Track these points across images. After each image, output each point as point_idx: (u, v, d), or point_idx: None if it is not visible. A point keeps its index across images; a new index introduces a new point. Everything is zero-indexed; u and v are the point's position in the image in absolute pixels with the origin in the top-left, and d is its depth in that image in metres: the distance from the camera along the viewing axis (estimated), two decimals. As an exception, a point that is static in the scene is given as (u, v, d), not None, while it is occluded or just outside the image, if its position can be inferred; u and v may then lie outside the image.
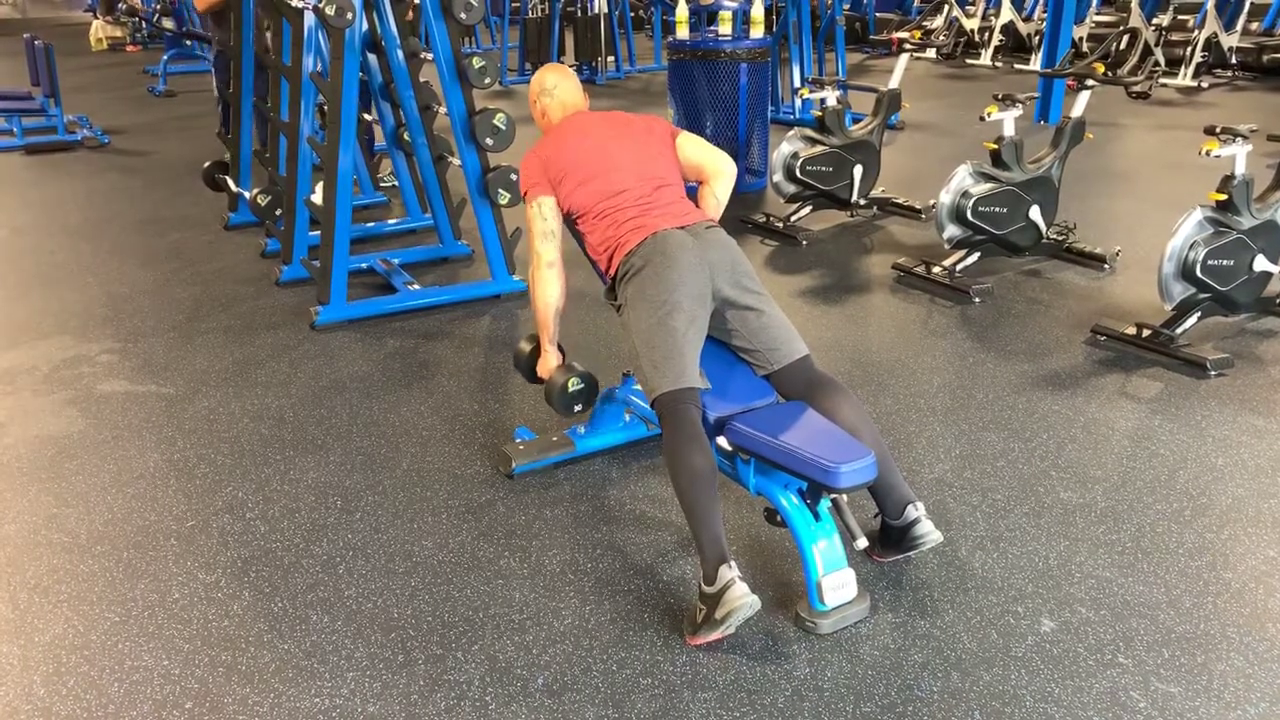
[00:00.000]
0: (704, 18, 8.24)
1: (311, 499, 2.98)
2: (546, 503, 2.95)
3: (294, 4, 4.36)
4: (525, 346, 3.02)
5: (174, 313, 4.51)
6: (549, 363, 2.94)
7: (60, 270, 5.14)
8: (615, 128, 2.91)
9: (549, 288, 2.78)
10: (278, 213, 5.08)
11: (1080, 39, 10.25)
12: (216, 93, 6.63)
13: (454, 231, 5.20)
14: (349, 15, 3.93)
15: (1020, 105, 4.60)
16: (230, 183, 5.75)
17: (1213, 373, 3.68)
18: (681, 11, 6.57)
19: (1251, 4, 11.03)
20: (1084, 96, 4.80)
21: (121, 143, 8.47)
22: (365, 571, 2.62)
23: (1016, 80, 10.74)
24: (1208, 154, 3.77)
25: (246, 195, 5.40)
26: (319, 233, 4.48)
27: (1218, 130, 3.79)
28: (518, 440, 3.19)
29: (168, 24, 13.97)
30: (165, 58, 11.67)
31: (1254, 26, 11.43)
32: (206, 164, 5.90)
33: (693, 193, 2.90)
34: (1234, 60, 10.82)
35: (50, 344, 4.16)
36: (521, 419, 3.45)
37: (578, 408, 2.95)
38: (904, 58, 5.94)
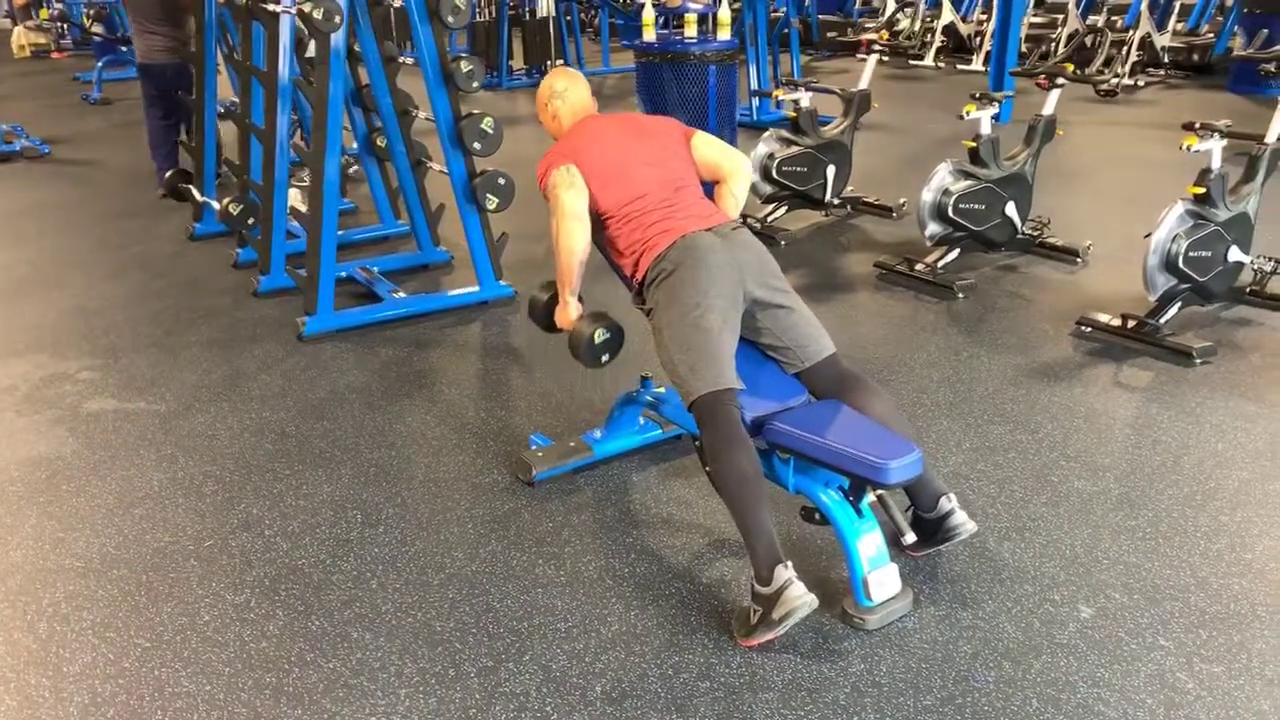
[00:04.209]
0: (666, 20, 8.25)
1: (330, 513, 2.91)
2: (571, 509, 2.92)
3: (270, 8, 4.27)
4: (542, 296, 2.92)
5: (151, 326, 4.37)
6: (569, 314, 2.85)
7: (23, 285, 4.94)
8: (630, 130, 2.90)
9: (574, 237, 2.70)
10: (250, 222, 4.95)
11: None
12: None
13: (433, 238, 5.12)
14: (337, 19, 3.85)
15: (997, 104, 4.70)
16: (195, 192, 5.58)
17: (1199, 361, 3.80)
18: (648, 15, 6.57)
19: (1181, 5, 11.42)
20: (1054, 95, 4.93)
21: (63, 152, 8.17)
22: (399, 585, 2.57)
23: (961, 81, 10.94)
24: (1187, 149, 3.89)
25: (215, 205, 5.25)
26: (296, 241, 4.38)
27: (1196, 126, 3.91)
28: (534, 447, 3.15)
29: (97, 29, 13.53)
30: (99, 64, 11.28)
31: (1179, 26, 11.84)
32: (169, 173, 5.73)
33: (708, 193, 2.90)
34: (1166, 59, 11.19)
35: (25, 362, 3.99)
36: (531, 425, 3.41)
37: (605, 358, 2.85)
38: (873, 59, 6.04)
